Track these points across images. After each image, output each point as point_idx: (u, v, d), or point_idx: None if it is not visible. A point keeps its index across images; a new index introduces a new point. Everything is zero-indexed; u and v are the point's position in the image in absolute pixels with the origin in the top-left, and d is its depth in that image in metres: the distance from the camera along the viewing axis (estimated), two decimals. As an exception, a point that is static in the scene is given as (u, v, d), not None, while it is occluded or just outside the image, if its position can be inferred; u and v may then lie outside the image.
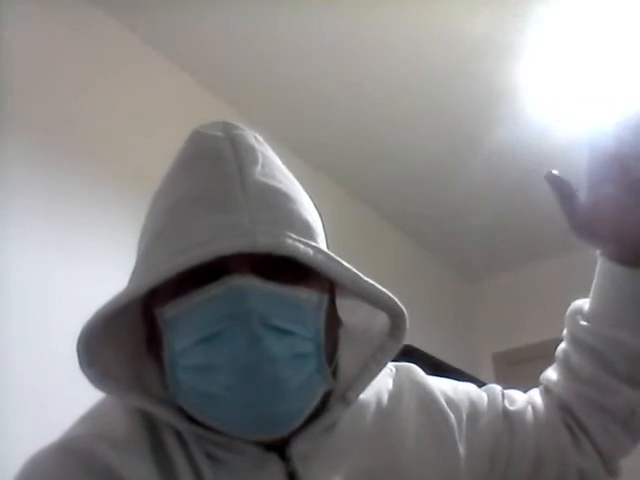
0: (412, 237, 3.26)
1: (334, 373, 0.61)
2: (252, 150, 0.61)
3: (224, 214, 0.56)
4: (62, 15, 1.88)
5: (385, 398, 0.69)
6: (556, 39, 2.22)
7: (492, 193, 2.98)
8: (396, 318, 0.62)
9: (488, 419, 0.71)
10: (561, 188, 0.68)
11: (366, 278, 0.59)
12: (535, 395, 0.76)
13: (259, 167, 0.59)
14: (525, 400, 0.74)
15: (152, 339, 0.61)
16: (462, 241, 3.34)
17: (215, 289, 0.54)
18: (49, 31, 1.84)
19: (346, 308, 0.65)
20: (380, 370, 0.64)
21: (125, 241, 1.94)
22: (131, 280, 0.59)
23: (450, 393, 0.72)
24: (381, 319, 0.64)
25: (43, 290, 1.60)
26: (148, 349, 0.62)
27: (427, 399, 0.70)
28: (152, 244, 0.59)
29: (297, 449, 0.59)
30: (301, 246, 0.56)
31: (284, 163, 0.64)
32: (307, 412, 0.58)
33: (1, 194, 1.57)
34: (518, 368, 3.33)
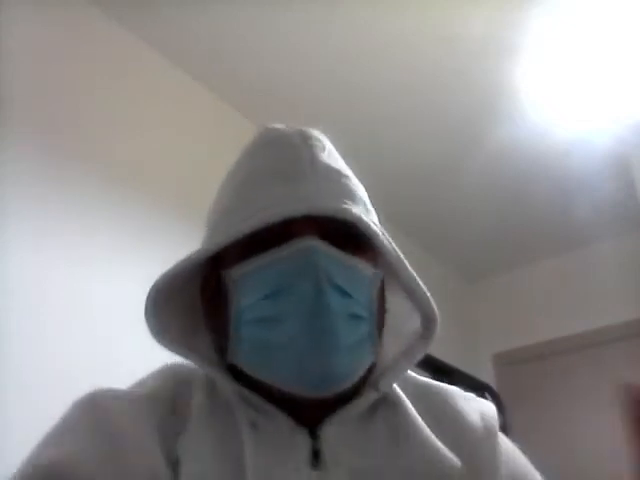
0: (412, 237, 3.25)
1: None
2: (318, 140, 0.68)
3: (292, 184, 0.61)
4: (62, 15, 1.88)
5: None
6: (556, 39, 2.22)
7: (492, 193, 2.98)
8: (428, 320, 0.66)
9: None
10: None
11: (410, 269, 0.65)
12: None
13: (325, 153, 0.66)
14: None
15: (210, 310, 0.66)
16: (462, 241, 3.34)
17: (285, 249, 0.58)
18: (49, 31, 1.84)
19: (391, 299, 0.68)
20: (409, 367, 0.67)
21: (125, 240, 1.94)
22: (199, 249, 0.63)
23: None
24: (416, 319, 0.67)
25: (43, 290, 1.60)
26: (206, 321, 0.66)
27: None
28: (221, 217, 0.64)
29: (327, 430, 0.61)
30: (364, 216, 0.61)
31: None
32: (357, 375, 0.60)
33: (1, 194, 1.56)
34: (518, 368, 3.34)
